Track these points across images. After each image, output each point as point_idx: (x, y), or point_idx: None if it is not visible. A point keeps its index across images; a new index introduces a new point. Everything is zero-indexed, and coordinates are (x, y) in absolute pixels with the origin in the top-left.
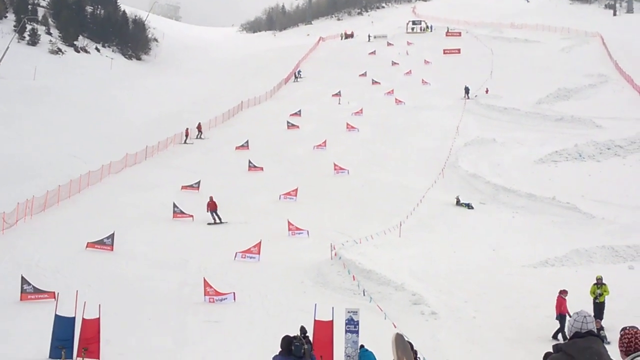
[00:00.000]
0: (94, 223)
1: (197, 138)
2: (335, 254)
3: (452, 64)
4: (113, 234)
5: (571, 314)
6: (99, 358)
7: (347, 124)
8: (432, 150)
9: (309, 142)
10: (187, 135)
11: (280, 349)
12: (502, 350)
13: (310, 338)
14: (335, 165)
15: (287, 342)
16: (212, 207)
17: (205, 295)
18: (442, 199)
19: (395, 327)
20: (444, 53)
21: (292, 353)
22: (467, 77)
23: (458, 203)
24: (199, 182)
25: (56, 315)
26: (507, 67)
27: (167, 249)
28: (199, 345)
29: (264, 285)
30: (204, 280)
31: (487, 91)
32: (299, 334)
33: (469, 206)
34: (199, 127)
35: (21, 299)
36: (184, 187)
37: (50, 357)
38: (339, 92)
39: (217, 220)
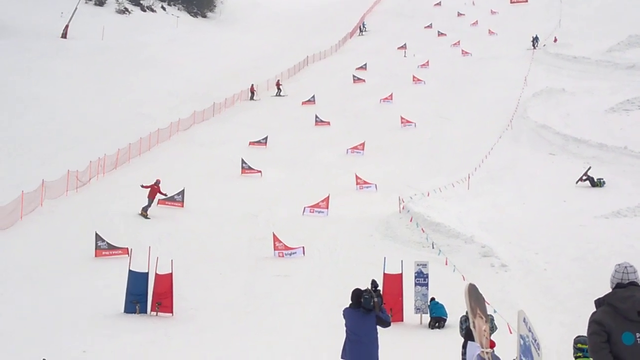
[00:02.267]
0: (164, 180)
1: (277, 95)
2: (404, 207)
3: (519, 13)
4: (183, 191)
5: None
6: (172, 312)
7: (413, 77)
8: (499, 101)
9: (375, 96)
10: (252, 92)
11: (350, 302)
12: (574, 302)
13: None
14: (402, 118)
15: (356, 295)
16: (152, 194)
17: (274, 249)
18: (511, 150)
19: (464, 279)
20: (511, 2)
21: (362, 305)
22: (535, 27)
23: (590, 181)
24: (266, 138)
25: (130, 271)
26: (576, 15)
27: (236, 205)
28: (269, 299)
29: (332, 239)
30: (273, 235)
31: (555, 40)
32: (369, 288)
33: (600, 183)
34: (277, 84)
35: (96, 255)
36: (251, 143)
37: (125, 311)
38: (405, 44)
39: (144, 212)
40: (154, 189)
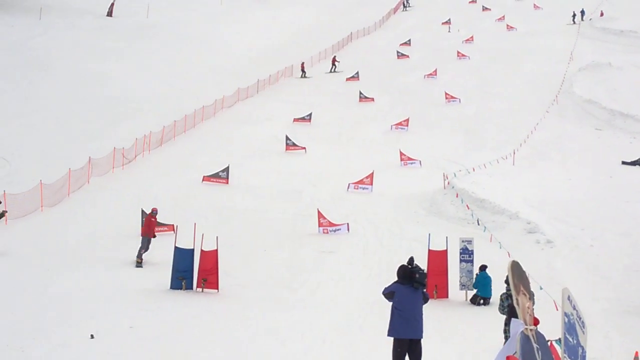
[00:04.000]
0: (209, 157)
1: (332, 71)
2: (448, 183)
3: None
4: (228, 168)
5: None
6: (217, 289)
7: (458, 52)
8: (545, 76)
9: (419, 71)
10: (303, 70)
11: (397, 278)
12: (620, 279)
13: (425, 268)
14: (446, 94)
15: (409, 271)
16: (148, 229)
17: (319, 226)
18: (557, 126)
19: (509, 256)
20: None
21: (416, 281)
22: (581, 1)
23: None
24: (310, 115)
25: (175, 248)
26: None
27: (280, 182)
28: (313, 275)
29: (377, 215)
30: (318, 211)
31: (602, 14)
32: (406, 264)
33: None
34: (333, 60)
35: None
36: (295, 120)
37: (171, 287)
38: (449, 19)
39: (138, 258)
40: (150, 223)
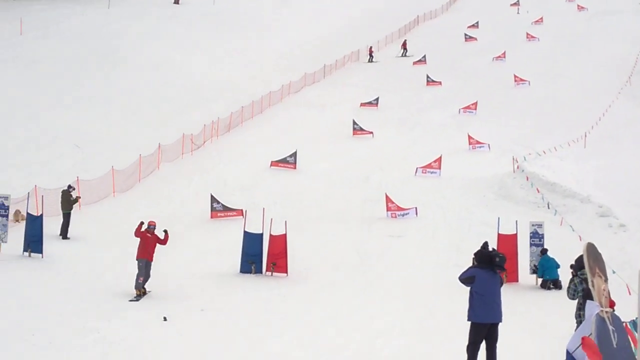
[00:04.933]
0: (277, 142)
1: (402, 55)
2: (518, 167)
3: None
4: (295, 153)
5: None
6: (286, 272)
7: (527, 34)
8: (617, 57)
9: (488, 54)
10: (371, 54)
11: (473, 263)
12: None
13: None
14: (515, 76)
15: (487, 255)
16: (147, 248)
17: (387, 210)
18: (629, 108)
19: (581, 239)
20: None
21: (496, 264)
22: None
23: None
24: (377, 99)
25: (245, 232)
26: None
27: (347, 166)
28: (382, 259)
29: (445, 199)
30: (386, 195)
31: None
32: (481, 248)
33: None
34: (404, 45)
35: (211, 217)
36: (362, 104)
37: (241, 271)
38: (518, 1)
39: (139, 290)
40: (147, 239)
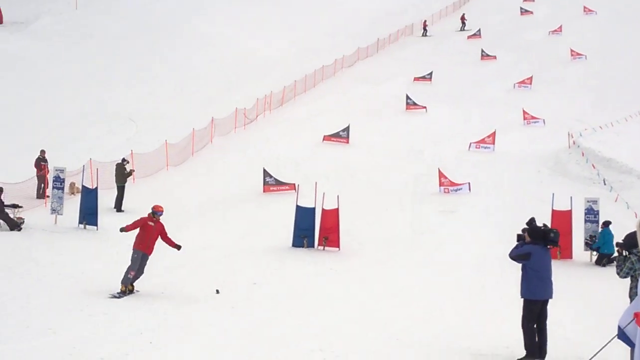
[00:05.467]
0: (329, 116)
1: (461, 30)
2: (574, 142)
3: None
4: (348, 127)
5: None
6: (339, 247)
7: (584, 7)
8: None
9: (544, 28)
10: (425, 28)
11: (523, 239)
12: None
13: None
14: (571, 50)
15: (542, 231)
16: (142, 241)
17: (439, 185)
18: None
19: (637, 216)
20: None
21: (551, 240)
22: None
23: None
24: (431, 73)
25: (297, 206)
26: None
27: (400, 141)
28: (435, 235)
29: (499, 175)
30: (439, 170)
31: None
32: (527, 224)
33: None
34: (462, 18)
35: (264, 191)
36: (416, 79)
37: (293, 245)
38: None
39: (123, 290)
40: (148, 228)
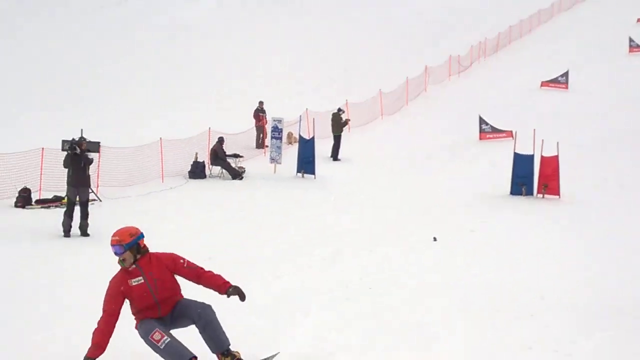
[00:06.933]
0: (545, 62)
1: None
2: None
3: None
4: (567, 72)
5: None
6: (558, 195)
7: None
8: None
9: None
10: None
11: None
12: None
13: None
14: None
15: None
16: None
17: None
18: None
19: None
20: None
21: None
22: None
23: None
24: None
25: (515, 154)
26: None
27: (623, 86)
28: None
29: None
30: None
31: None
32: None
33: None
34: None
35: (480, 139)
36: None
37: (511, 193)
38: None
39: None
40: (135, 288)
